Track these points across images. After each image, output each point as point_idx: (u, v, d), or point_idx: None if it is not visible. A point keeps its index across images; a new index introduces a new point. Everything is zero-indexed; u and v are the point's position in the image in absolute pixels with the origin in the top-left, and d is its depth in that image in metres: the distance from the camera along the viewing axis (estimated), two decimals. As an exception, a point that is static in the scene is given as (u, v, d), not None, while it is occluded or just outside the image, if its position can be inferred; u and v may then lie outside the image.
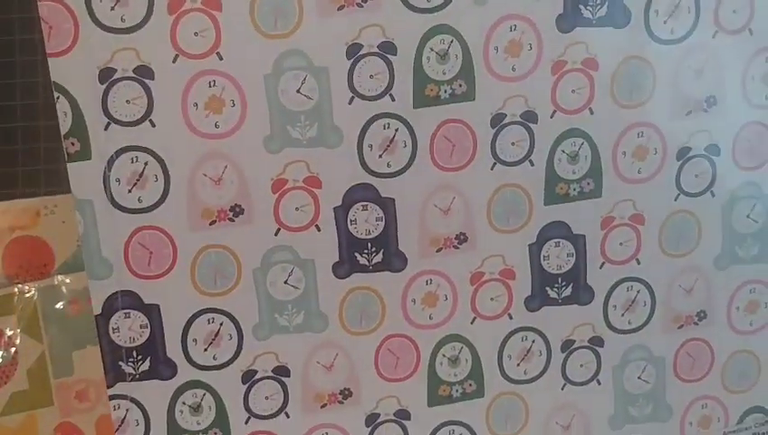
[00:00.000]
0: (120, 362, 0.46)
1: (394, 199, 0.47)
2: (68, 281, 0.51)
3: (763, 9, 0.48)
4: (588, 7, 0.46)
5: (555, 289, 0.50)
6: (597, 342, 0.51)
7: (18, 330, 0.51)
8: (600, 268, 0.50)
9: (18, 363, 0.51)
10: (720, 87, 0.49)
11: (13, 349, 0.51)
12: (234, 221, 0.46)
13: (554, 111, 0.47)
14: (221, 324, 0.47)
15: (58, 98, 0.43)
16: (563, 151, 0.48)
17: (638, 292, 0.51)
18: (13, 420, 0.51)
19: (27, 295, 0.50)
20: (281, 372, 0.48)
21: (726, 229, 0.51)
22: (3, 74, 0.49)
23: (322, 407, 0.49)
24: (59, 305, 0.50)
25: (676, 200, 0.50)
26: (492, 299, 0.49)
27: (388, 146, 0.46)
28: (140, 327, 0.46)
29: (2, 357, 0.50)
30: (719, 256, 0.51)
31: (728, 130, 0.49)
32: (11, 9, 0.42)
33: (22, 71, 0.48)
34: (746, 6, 0.48)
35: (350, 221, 0.47)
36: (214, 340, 0.47)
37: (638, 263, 0.50)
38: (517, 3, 0.46)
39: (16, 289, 0.50)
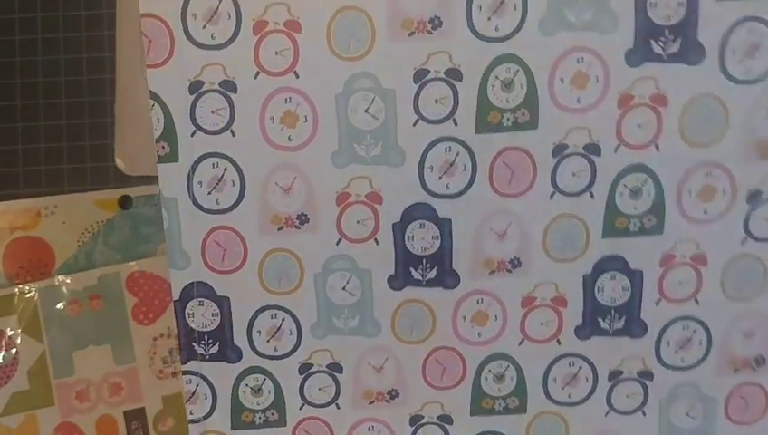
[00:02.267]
0: (194, 344, 0.51)
1: (451, 220, 0.49)
2: (68, 281, 0.54)
3: None
4: (659, 43, 0.46)
5: (607, 321, 0.50)
6: (646, 375, 0.51)
7: (19, 330, 0.53)
8: (657, 305, 0.50)
9: (19, 364, 0.53)
10: (801, 131, 0.47)
11: (13, 349, 0.53)
12: (299, 229, 0.49)
13: (618, 145, 0.47)
14: (283, 320, 0.51)
15: (153, 105, 0.48)
16: (626, 186, 0.48)
17: (695, 331, 0.50)
18: (13, 421, 0.53)
19: (28, 296, 0.53)
20: (334, 368, 0.51)
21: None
22: (3, 74, 0.52)
23: (370, 403, 0.52)
24: (59, 306, 0.53)
25: (743, 244, 0.48)
26: (541, 324, 0.50)
27: (449, 168, 0.48)
28: (212, 315, 0.50)
29: (2, 357, 0.52)
30: None
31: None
32: (12, 9, 0.45)
33: (22, 71, 0.51)
34: None
35: (408, 238, 0.49)
36: (276, 333, 0.51)
37: (697, 303, 0.50)
38: (585, 35, 0.46)
39: (17, 289, 0.53)
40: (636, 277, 0.50)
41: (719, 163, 0.48)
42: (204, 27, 0.47)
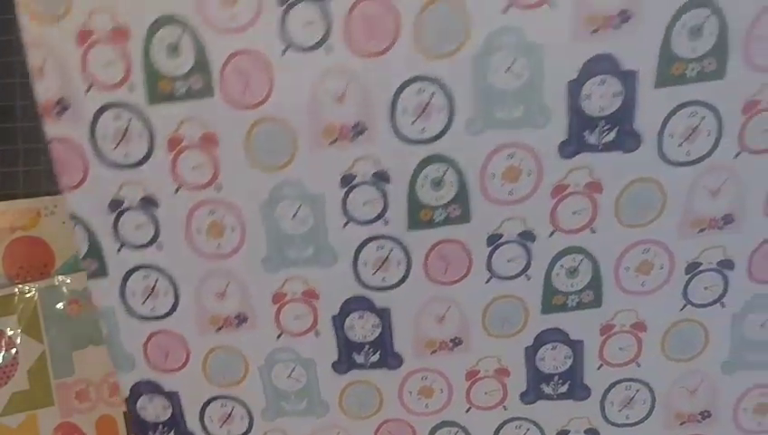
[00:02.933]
0: (150, 433, 0.52)
1: (389, 309, 0.49)
2: (68, 281, 0.54)
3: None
4: (593, 133, 0.44)
5: (551, 386, 0.51)
6: (593, 433, 0.53)
7: (19, 330, 0.52)
8: (598, 369, 0.51)
9: (19, 364, 0.53)
10: (739, 205, 0.46)
11: (13, 349, 0.53)
12: (239, 328, 0.49)
13: (553, 231, 0.47)
14: (233, 407, 0.52)
15: (75, 225, 0.46)
16: (562, 266, 0.48)
17: (638, 391, 0.52)
18: (13, 420, 0.53)
19: (28, 296, 0.52)
20: (289, 444, 0.53)
21: (736, 337, 0.50)
22: (3, 74, 0.50)
23: None
24: (59, 306, 0.53)
25: (682, 310, 0.49)
26: (486, 393, 0.52)
27: (382, 264, 0.47)
28: (163, 408, 0.51)
29: (2, 357, 0.52)
30: (727, 361, 0.51)
31: (745, 246, 0.47)
32: (11, 9, 0.44)
33: (22, 71, 0.49)
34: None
35: (347, 328, 0.49)
36: (227, 419, 0.52)
37: (638, 365, 0.51)
38: (516, 132, 0.44)
39: (17, 289, 0.52)
40: (577, 347, 0.51)
41: (657, 240, 0.47)
42: (115, 148, 0.44)
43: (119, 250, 0.47)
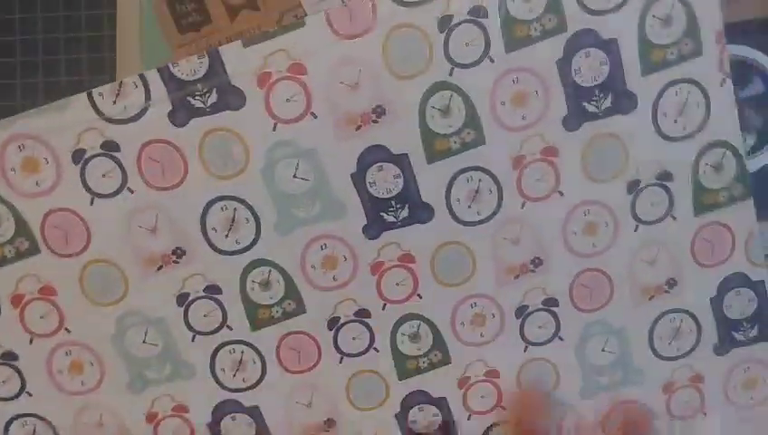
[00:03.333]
0: None
1: (258, 406, 0.52)
2: None
3: (568, 171, 0.48)
4: (389, 213, 0.48)
5: None
6: None
7: None
8: (468, 420, 0.54)
9: None
10: (542, 248, 0.50)
11: None
12: (121, 455, 0.52)
13: (384, 304, 0.50)
14: None
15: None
16: (404, 334, 0.51)
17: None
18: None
19: None
20: None
21: (584, 366, 0.53)
22: (3, 74, 0.53)
23: None
24: None
25: (525, 351, 0.52)
26: None
27: (239, 366, 0.51)
28: None
29: None
30: (583, 387, 0.53)
31: (562, 283, 0.51)
32: (12, 9, 0.46)
33: (22, 71, 0.51)
34: (549, 173, 0.48)
35: (225, 432, 0.52)
36: None
37: (504, 408, 0.54)
38: (320, 226, 0.48)
39: None
40: (442, 403, 0.54)
41: (481, 293, 0.51)
42: None
43: (-11, 406, 0.50)
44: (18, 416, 0.51)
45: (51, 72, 0.51)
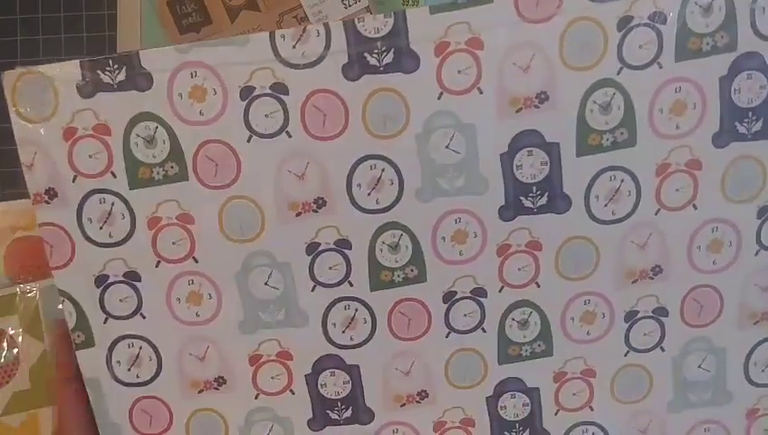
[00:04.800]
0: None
1: (359, 365, 0.52)
2: None
3: (707, 186, 0.49)
4: (528, 198, 0.49)
5: (514, 433, 0.54)
6: None
7: (20, 329, 0.52)
8: (556, 415, 0.54)
9: (20, 363, 0.53)
10: (665, 257, 0.51)
11: (15, 349, 0.52)
12: (218, 389, 0.53)
13: (502, 287, 0.51)
14: (217, 470, 0.54)
15: (63, 302, 0.50)
16: (513, 319, 0.52)
17: (593, 433, 0.55)
18: (15, 420, 0.53)
19: (29, 295, 0.52)
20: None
21: (678, 379, 0.53)
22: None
23: None
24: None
25: (626, 356, 0.53)
26: None
27: (350, 323, 0.51)
28: None
29: (4, 357, 0.52)
30: (671, 401, 0.54)
31: (675, 295, 0.52)
32: (13, 10, 0.46)
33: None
34: (689, 185, 0.49)
35: (321, 385, 0.53)
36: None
37: (592, 410, 0.54)
38: (459, 199, 0.49)
39: (18, 289, 0.52)
40: (533, 394, 0.54)
41: (596, 292, 0.52)
42: (101, 228, 0.49)
43: (104, 321, 0.51)
44: (126, 336, 0.51)
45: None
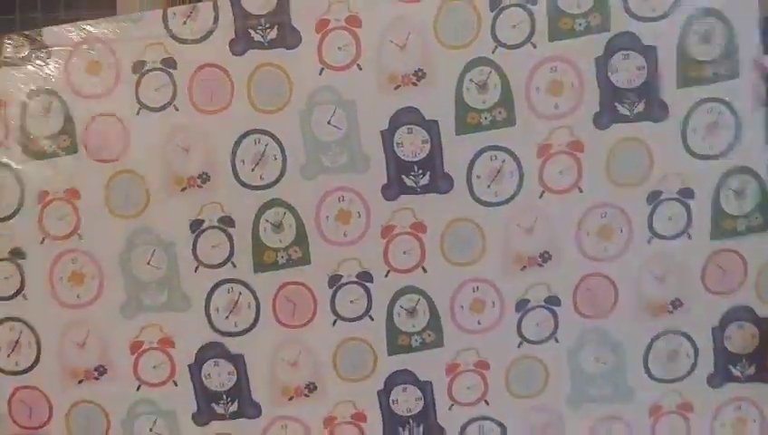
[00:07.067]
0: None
1: (243, 355, 0.47)
2: None
3: (591, 169, 0.46)
4: (410, 177, 0.46)
5: (407, 429, 0.49)
6: None
7: None
8: (450, 409, 0.49)
9: None
10: (553, 243, 0.47)
11: None
12: (99, 380, 0.47)
13: (388, 271, 0.47)
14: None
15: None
16: (401, 307, 0.47)
17: (492, 430, 0.49)
18: None
19: None
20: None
21: (575, 372, 0.48)
22: None
23: None
24: None
25: (519, 347, 0.48)
26: None
27: (233, 308, 0.47)
28: None
29: None
30: (569, 395, 0.48)
31: (567, 283, 0.47)
32: (12, 9, 0.46)
33: None
34: (572, 167, 0.46)
35: (204, 376, 0.48)
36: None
37: (487, 404, 0.48)
38: (342, 176, 0.46)
39: None
40: (426, 387, 0.49)
41: (484, 278, 0.47)
42: None
43: (-15, 301, 0.46)
44: (8, 319, 0.47)
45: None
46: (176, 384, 0.48)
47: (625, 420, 0.49)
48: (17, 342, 0.47)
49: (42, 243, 0.46)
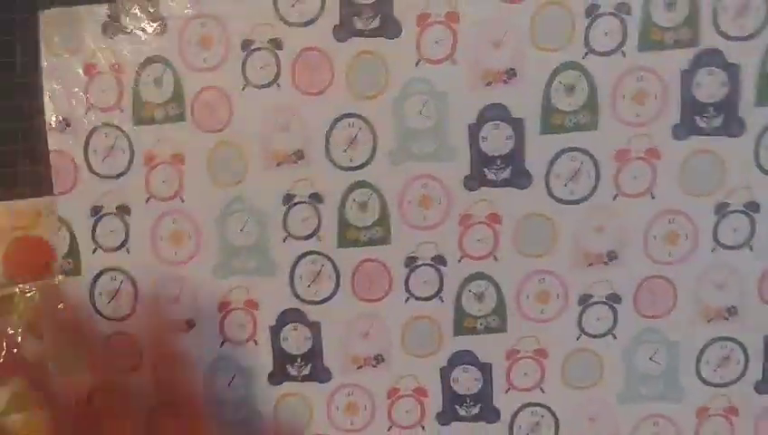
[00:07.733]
0: None
1: (320, 323, 0.50)
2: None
3: (665, 177, 0.47)
4: (491, 170, 0.48)
5: (464, 408, 0.51)
6: None
7: (19, 329, 0.49)
8: (506, 393, 0.51)
9: (19, 363, 0.50)
10: (621, 243, 0.48)
11: (15, 349, 0.50)
12: (187, 334, 0.50)
13: (462, 257, 0.49)
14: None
15: (60, 228, 0.49)
16: (470, 291, 0.49)
17: (542, 416, 0.51)
18: (14, 420, 0.51)
19: (28, 295, 0.50)
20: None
21: (629, 369, 0.50)
22: (3, 74, 0.50)
23: None
24: (60, 305, 0.50)
25: (578, 340, 0.50)
26: (406, 412, 0.51)
27: (315, 278, 0.50)
28: None
29: (3, 357, 0.50)
30: (622, 391, 0.50)
31: (629, 283, 0.49)
32: (12, 9, 0.46)
33: (22, 71, 0.50)
34: (647, 174, 0.47)
35: (283, 339, 0.50)
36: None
37: (543, 391, 0.51)
38: (428, 165, 0.48)
39: (17, 289, 0.50)
40: (486, 369, 0.51)
41: (551, 271, 0.49)
42: (103, 160, 0.49)
43: (93, 252, 0.50)
44: (110, 269, 0.50)
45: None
46: (256, 343, 0.51)
47: (672, 419, 0.50)
48: (118, 291, 0.50)
49: (147, 202, 0.49)
